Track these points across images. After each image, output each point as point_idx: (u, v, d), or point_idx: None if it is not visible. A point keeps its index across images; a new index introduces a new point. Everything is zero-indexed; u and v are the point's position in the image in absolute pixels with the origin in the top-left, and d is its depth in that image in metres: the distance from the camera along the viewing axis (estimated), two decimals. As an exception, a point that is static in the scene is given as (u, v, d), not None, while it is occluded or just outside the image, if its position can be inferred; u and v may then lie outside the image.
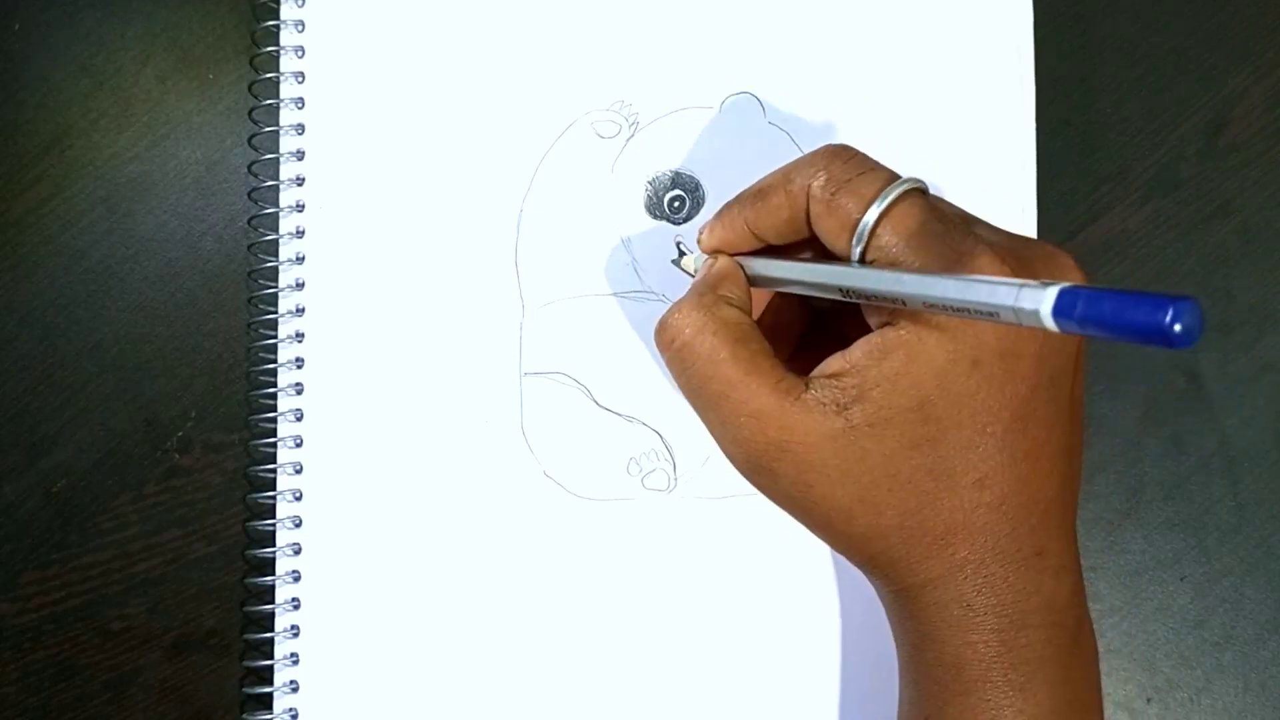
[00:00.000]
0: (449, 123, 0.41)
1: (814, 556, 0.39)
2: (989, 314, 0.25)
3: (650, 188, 0.40)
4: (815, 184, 0.31)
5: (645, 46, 0.41)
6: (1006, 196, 0.40)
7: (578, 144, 0.40)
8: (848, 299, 0.30)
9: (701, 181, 0.40)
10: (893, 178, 0.30)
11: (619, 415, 0.40)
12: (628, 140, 0.40)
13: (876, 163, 0.31)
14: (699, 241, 0.35)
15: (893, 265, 0.29)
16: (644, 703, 0.39)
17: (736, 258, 0.34)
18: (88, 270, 0.41)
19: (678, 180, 0.40)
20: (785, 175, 0.32)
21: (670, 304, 0.33)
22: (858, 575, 0.39)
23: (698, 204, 0.40)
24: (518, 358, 0.40)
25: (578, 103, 0.41)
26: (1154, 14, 0.42)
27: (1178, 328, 0.20)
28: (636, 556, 0.39)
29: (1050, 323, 0.23)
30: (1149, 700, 0.40)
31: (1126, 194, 0.42)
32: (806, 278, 0.31)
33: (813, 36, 0.41)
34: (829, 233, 0.31)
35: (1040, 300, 0.23)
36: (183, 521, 0.41)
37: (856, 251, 0.30)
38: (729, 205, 0.34)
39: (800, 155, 0.32)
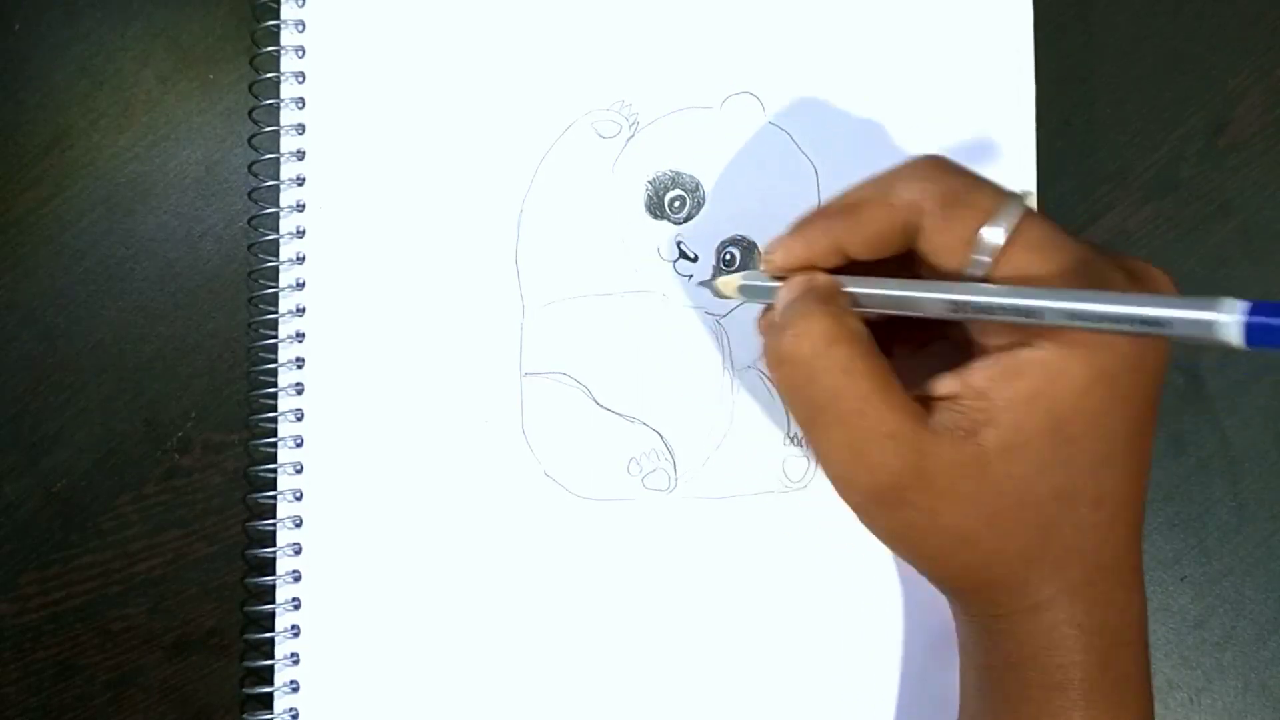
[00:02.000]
0: (449, 123, 0.41)
1: (814, 557, 0.39)
2: (1155, 328, 0.24)
3: (651, 188, 0.40)
4: (927, 198, 0.29)
5: (645, 46, 0.41)
6: (1007, 196, 0.40)
7: (578, 144, 0.40)
8: (958, 318, 0.29)
9: (702, 181, 0.40)
10: (1002, 191, 0.29)
11: (619, 415, 0.40)
12: (628, 140, 0.40)
13: (980, 175, 0.30)
14: (768, 260, 0.32)
15: (1027, 280, 0.28)
16: (644, 703, 0.39)
17: (838, 276, 0.31)
18: (88, 270, 0.41)
19: (678, 180, 0.40)
20: (884, 188, 0.30)
21: (768, 310, 0.31)
22: (858, 576, 0.39)
23: (698, 204, 0.40)
24: (518, 358, 0.40)
25: (578, 103, 0.41)
26: (1154, 14, 0.42)
27: None
28: (637, 556, 0.39)
29: (1238, 339, 0.23)
30: (1149, 700, 0.40)
31: (1126, 194, 0.42)
32: (922, 300, 0.29)
33: (813, 37, 0.41)
34: (942, 248, 0.29)
35: (1227, 318, 0.23)
36: (183, 521, 0.41)
37: (982, 267, 0.28)
38: (813, 219, 0.32)
39: (891, 168, 0.31)
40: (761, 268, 0.33)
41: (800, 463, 0.39)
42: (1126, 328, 0.25)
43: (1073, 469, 0.29)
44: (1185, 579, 0.41)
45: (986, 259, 0.28)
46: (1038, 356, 0.28)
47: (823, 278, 0.31)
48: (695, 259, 0.40)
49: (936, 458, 0.29)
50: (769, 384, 0.40)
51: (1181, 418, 0.41)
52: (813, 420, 0.30)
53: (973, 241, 0.28)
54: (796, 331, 0.30)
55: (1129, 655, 0.30)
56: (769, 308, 0.33)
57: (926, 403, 0.30)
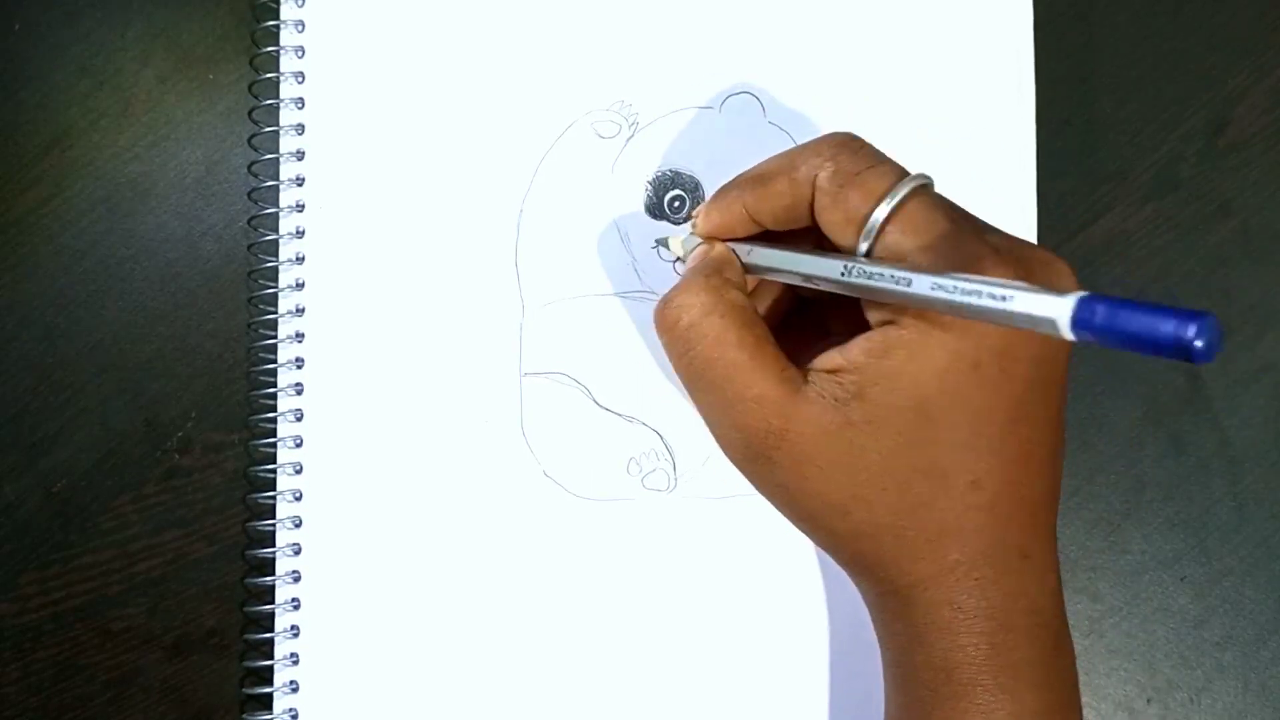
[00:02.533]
0: (449, 123, 0.41)
1: (814, 558, 0.39)
2: (1001, 317, 0.25)
3: (650, 188, 0.40)
4: (822, 174, 0.30)
5: (645, 46, 0.41)
6: (1006, 196, 0.40)
7: (578, 144, 0.40)
8: (846, 292, 0.30)
9: (701, 181, 0.40)
10: (901, 173, 0.30)
11: (619, 415, 0.40)
12: (628, 140, 0.40)
13: (884, 156, 0.31)
14: (693, 224, 0.34)
15: (901, 262, 0.29)
16: (643, 702, 0.39)
17: (732, 243, 0.33)
18: (88, 270, 0.41)
19: (678, 180, 0.40)
20: (790, 162, 0.31)
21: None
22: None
23: (697, 204, 0.40)
24: (518, 358, 0.40)
25: (578, 103, 0.41)
26: (1154, 14, 0.42)
27: (1199, 343, 0.21)
28: (636, 556, 0.39)
29: (1067, 331, 0.23)
30: (1149, 700, 0.40)
31: (1126, 194, 0.42)
32: (809, 270, 0.31)
33: (813, 36, 0.41)
34: (834, 225, 0.30)
35: (1059, 308, 0.23)
36: (183, 521, 0.41)
37: (863, 247, 0.29)
38: (726, 188, 0.33)
39: (804, 142, 0.32)
40: (689, 234, 0.35)
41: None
42: (969, 313, 0.26)
43: (938, 448, 0.29)
44: (1185, 579, 0.41)
45: (864, 244, 0.29)
46: (904, 335, 0.29)
47: (719, 250, 0.33)
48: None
49: (802, 422, 0.30)
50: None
51: (1181, 418, 0.41)
52: (692, 385, 0.32)
53: (861, 220, 0.29)
54: (677, 304, 0.32)
55: (1024, 641, 0.30)
56: None
57: (810, 374, 0.31)
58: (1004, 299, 0.25)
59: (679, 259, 0.39)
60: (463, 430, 0.40)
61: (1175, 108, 0.42)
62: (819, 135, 0.32)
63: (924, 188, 0.30)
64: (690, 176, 0.40)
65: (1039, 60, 0.41)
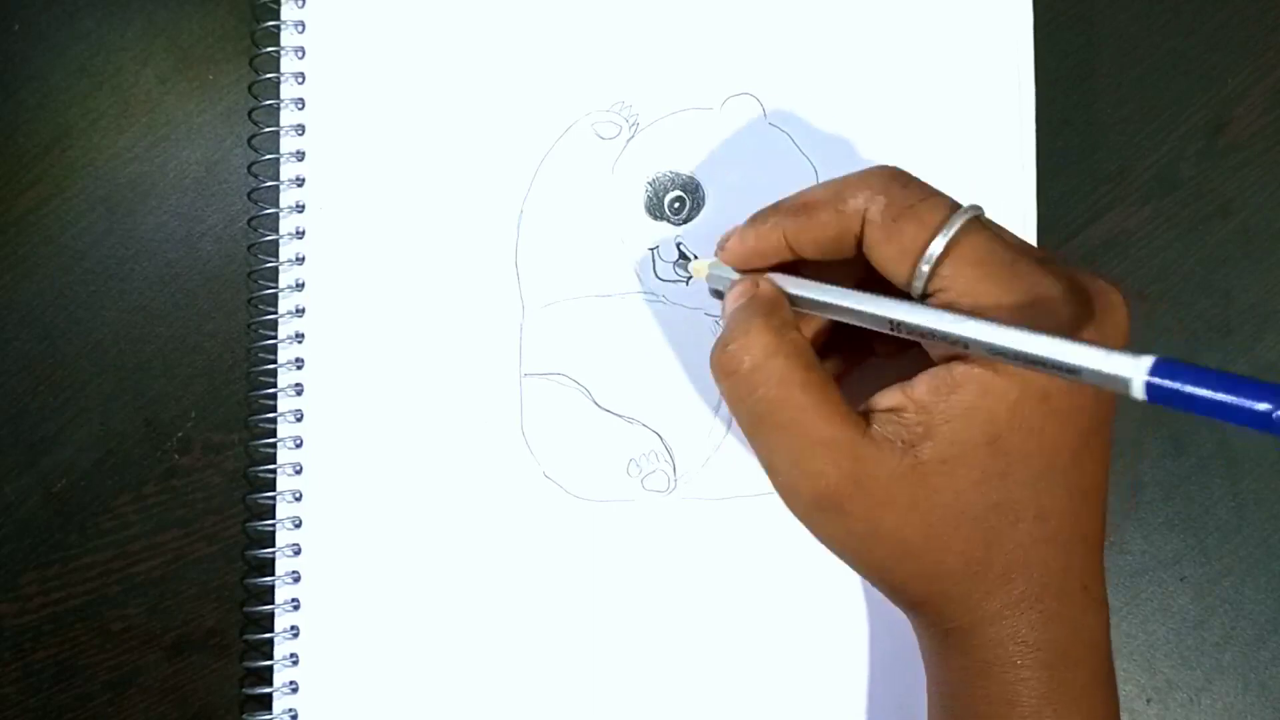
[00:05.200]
0: (449, 123, 0.41)
1: (814, 559, 0.39)
2: (1069, 373, 0.25)
3: (650, 189, 0.40)
4: (873, 208, 0.30)
5: (645, 47, 0.41)
6: (1006, 196, 0.40)
7: (578, 145, 0.40)
8: (897, 333, 0.29)
9: (702, 183, 0.40)
10: (954, 205, 0.29)
11: (619, 416, 0.40)
12: (628, 141, 0.40)
13: (934, 188, 0.30)
14: (722, 248, 0.33)
15: (963, 296, 0.28)
16: (644, 704, 0.39)
17: (773, 276, 0.32)
18: (88, 270, 0.41)
19: (678, 181, 0.40)
20: (836, 193, 0.31)
21: (709, 321, 0.32)
22: (856, 578, 0.39)
23: (698, 205, 0.40)
24: (518, 358, 0.40)
25: (578, 104, 0.41)
26: (1154, 14, 0.42)
27: None
28: (636, 558, 0.39)
29: (1140, 394, 0.23)
30: (1149, 700, 0.40)
31: (1126, 194, 0.42)
32: (867, 308, 0.30)
33: (813, 37, 0.41)
34: (888, 259, 0.30)
35: (1133, 370, 0.23)
36: (183, 522, 0.41)
37: (917, 284, 0.29)
38: (764, 214, 0.32)
39: (849, 174, 0.31)
40: (716, 255, 0.34)
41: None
42: (1037, 367, 0.26)
43: (1011, 483, 0.29)
44: (1185, 579, 0.41)
45: (926, 270, 0.29)
46: (973, 371, 0.28)
47: (766, 287, 0.32)
48: (695, 260, 0.40)
49: (875, 466, 0.29)
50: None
51: (1181, 418, 0.41)
52: (755, 430, 0.31)
53: (916, 253, 0.29)
54: (737, 345, 0.30)
55: (1084, 672, 0.30)
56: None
57: (872, 415, 0.30)
58: (1076, 356, 0.25)
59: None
60: (463, 431, 0.40)
61: (1175, 108, 0.42)
62: (864, 168, 0.31)
63: (978, 219, 0.29)
64: (690, 177, 0.40)
65: (1039, 60, 0.41)
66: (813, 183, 0.40)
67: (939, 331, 0.28)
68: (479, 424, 0.40)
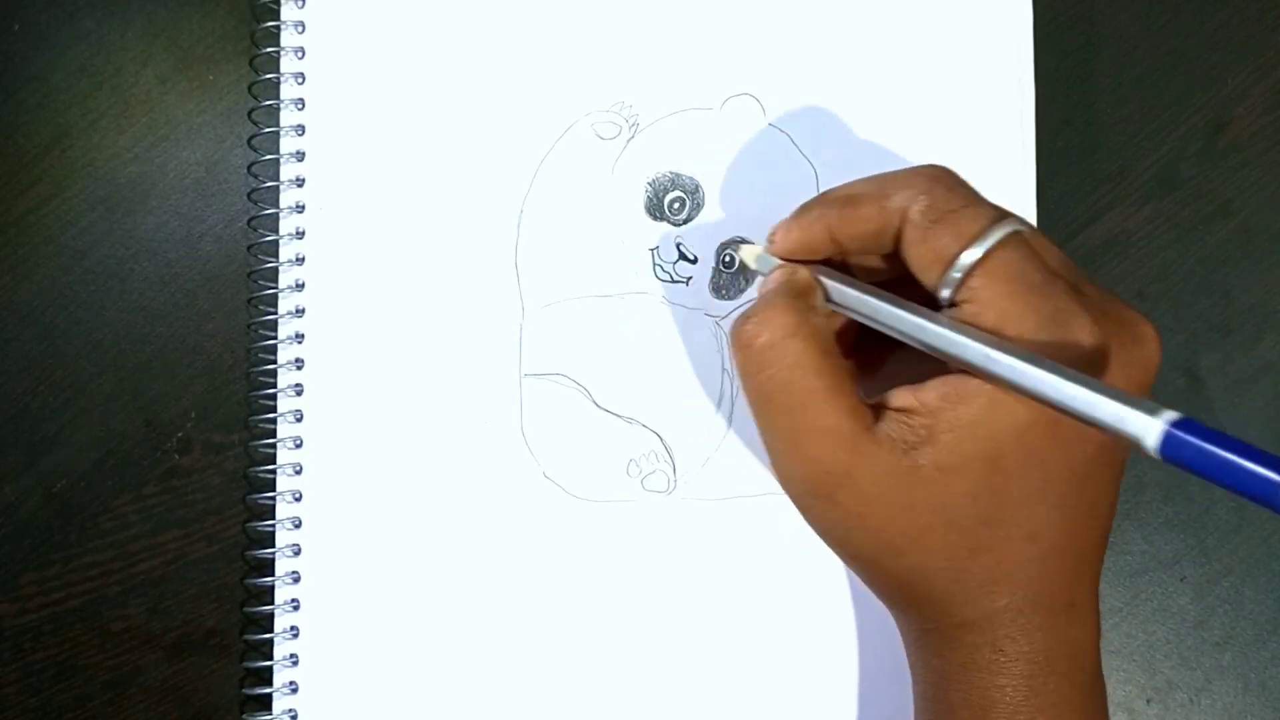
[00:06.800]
0: (449, 124, 0.41)
1: (814, 559, 0.39)
2: (1088, 421, 0.25)
3: (650, 189, 0.40)
4: (915, 208, 0.29)
5: (645, 47, 0.41)
6: (1006, 197, 0.40)
7: (578, 145, 0.40)
8: (911, 342, 0.29)
9: (701, 183, 0.40)
10: (996, 216, 0.29)
11: (619, 417, 0.40)
12: (628, 141, 0.40)
13: (980, 196, 0.30)
14: (771, 240, 0.33)
15: (986, 311, 0.28)
16: (644, 704, 0.39)
17: (815, 271, 0.32)
18: (88, 270, 0.41)
19: (678, 182, 0.40)
20: (881, 188, 0.30)
21: (742, 308, 0.31)
22: (857, 580, 0.39)
23: (698, 205, 0.40)
24: (518, 359, 0.40)
25: (578, 104, 0.41)
26: (1154, 14, 0.42)
27: None
28: (636, 558, 0.39)
29: (1154, 453, 0.23)
30: (1149, 700, 0.40)
31: (1126, 194, 0.42)
32: (890, 321, 0.29)
33: (813, 38, 0.41)
34: (920, 261, 0.29)
35: (1147, 431, 0.23)
36: (183, 522, 0.41)
37: (946, 292, 0.29)
38: (810, 206, 0.32)
39: (897, 169, 0.31)
40: (764, 248, 0.34)
41: (800, 463, 0.39)
42: (1053, 408, 0.26)
43: (1004, 500, 0.29)
44: (1185, 579, 0.41)
45: (957, 276, 0.28)
46: (985, 385, 0.28)
47: (803, 274, 0.32)
48: (695, 260, 0.40)
49: (871, 462, 0.29)
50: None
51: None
52: (760, 407, 0.31)
53: (949, 260, 0.29)
54: (758, 320, 0.30)
55: (1065, 683, 0.30)
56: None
57: (882, 411, 0.30)
58: (1090, 406, 0.25)
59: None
60: (463, 431, 0.40)
61: (1175, 108, 0.42)
62: (914, 165, 0.31)
63: (1018, 234, 0.29)
64: (690, 178, 0.40)
65: (1039, 60, 0.41)
66: (812, 184, 0.40)
67: (954, 355, 0.28)
68: (479, 424, 0.40)
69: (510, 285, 0.40)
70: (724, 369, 0.40)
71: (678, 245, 0.40)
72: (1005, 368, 0.26)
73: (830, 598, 0.39)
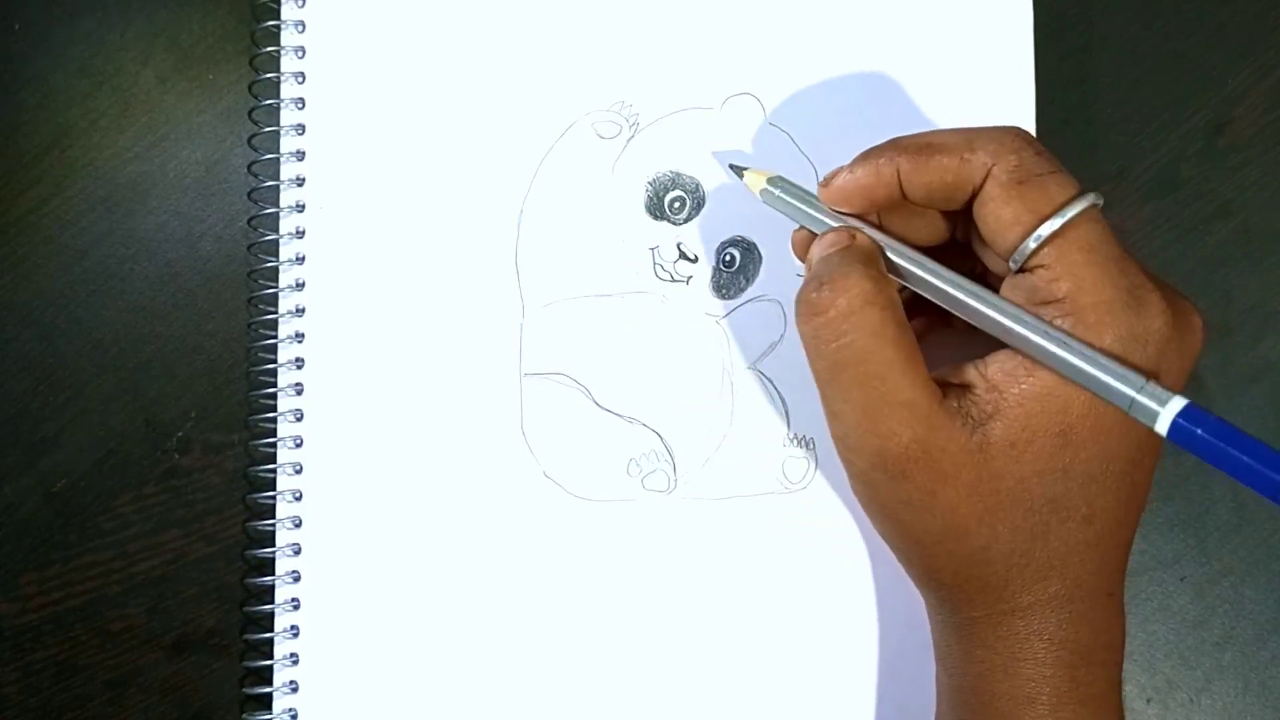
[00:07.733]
0: (449, 123, 0.41)
1: (813, 559, 0.39)
2: (1101, 390, 0.27)
3: (651, 188, 0.40)
4: (1001, 165, 0.29)
5: (645, 47, 0.41)
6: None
7: (578, 144, 0.40)
8: (964, 316, 0.29)
9: (702, 182, 0.40)
10: (1081, 188, 0.29)
11: (619, 416, 0.40)
12: (628, 141, 0.40)
13: (1063, 166, 0.30)
14: (825, 185, 0.32)
15: (1063, 278, 0.28)
16: (644, 703, 0.39)
17: (876, 237, 0.31)
18: (88, 270, 0.41)
19: (678, 181, 0.40)
20: (966, 141, 0.29)
21: (806, 279, 0.30)
22: (856, 578, 0.39)
23: (698, 205, 0.40)
24: (518, 358, 0.40)
25: (578, 103, 0.41)
26: (1154, 14, 0.42)
27: None
28: (637, 558, 0.39)
29: (1163, 431, 0.26)
30: (1149, 700, 0.40)
31: (1126, 194, 0.42)
32: (954, 292, 0.29)
33: (813, 37, 0.41)
34: (998, 221, 0.29)
35: (1158, 412, 0.26)
36: (183, 521, 0.41)
37: (1021, 256, 0.28)
38: (881, 149, 0.31)
39: (980, 126, 0.30)
40: (818, 193, 0.33)
41: (800, 464, 0.39)
42: (1089, 387, 0.27)
43: (1070, 479, 0.29)
44: (1185, 579, 0.41)
45: (1033, 245, 0.28)
46: None
47: (864, 238, 0.31)
48: (695, 260, 0.40)
49: (945, 438, 0.28)
50: (768, 385, 0.40)
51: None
52: (833, 377, 0.30)
53: (1031, 225, 0.28)
54: (835, 287, 0.29)
55: (1101, 676, 0.30)
56: (801, 229, 0.33)
57: (944, 387, 0.29)
58: (1108, 379, 0.27)
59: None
60: (462, 431, 0.40)
61: (1175, 108, 0.42)
62: (991, 125, 0.30)
63: (1097, 207, 0.29)
64: (691, 177, 0.40)
65: (1039, 60, 0.41)
66: (813, 183, 0.40)
67: (1007, 329, 0.28)
68: (479, 424, 0.40)
69: (510, 285, 0.40)
70: (724, 368, 0.40)
71: (678, 245, 0.40)
72: (1049, 354, 0.27)
73: (830, 598, 0.39)
